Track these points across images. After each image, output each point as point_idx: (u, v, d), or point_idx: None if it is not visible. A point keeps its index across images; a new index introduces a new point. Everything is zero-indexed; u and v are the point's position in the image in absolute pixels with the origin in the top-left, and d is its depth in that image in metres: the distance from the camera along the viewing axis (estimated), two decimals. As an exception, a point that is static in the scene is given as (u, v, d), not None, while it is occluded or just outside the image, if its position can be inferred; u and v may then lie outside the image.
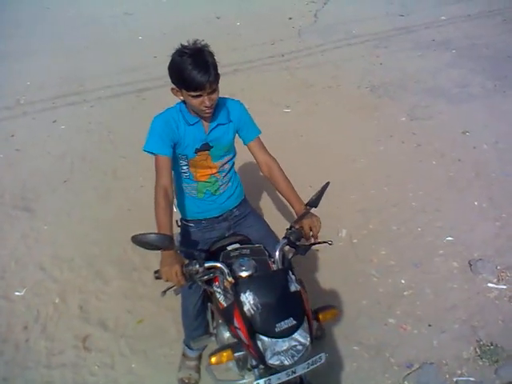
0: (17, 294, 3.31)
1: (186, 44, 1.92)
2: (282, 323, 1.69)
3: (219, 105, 2.11)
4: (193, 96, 1.90)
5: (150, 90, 6.15)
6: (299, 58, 7.00)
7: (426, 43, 7.31)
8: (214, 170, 2.23)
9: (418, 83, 6.05)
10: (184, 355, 2.75)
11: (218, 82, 1.92)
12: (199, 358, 2.75)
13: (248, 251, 2.10)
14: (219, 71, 1.93)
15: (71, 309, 3.19)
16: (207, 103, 1.90)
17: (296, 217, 2.07)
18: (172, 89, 2.01)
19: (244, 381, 1.96)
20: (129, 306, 3.19)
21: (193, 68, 1.82)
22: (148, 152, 2.07)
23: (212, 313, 2.53)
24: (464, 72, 6.30)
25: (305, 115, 5.48)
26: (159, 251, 1.86)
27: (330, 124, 5.26)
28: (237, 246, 2.25)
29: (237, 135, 2.27)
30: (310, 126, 5.22)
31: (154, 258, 3.49)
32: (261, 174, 2.34)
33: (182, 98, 2.00)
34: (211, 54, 1.92)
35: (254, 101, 5.33)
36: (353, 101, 5.69)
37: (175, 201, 2.31)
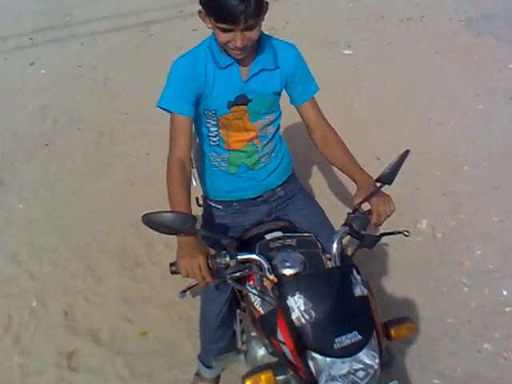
0: (-18, 293, 3.46)
1: None
2: (344, 338, 1.67)
3: (263, 44, 2.09)
4: (221, 29, 1.88)
5: (159, 22, 6.20)
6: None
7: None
8: (253, 134, 2.20)
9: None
10: (198, 374, 2.79)
11: (259, 16, 1.88)
12: (217, 380, 2.79)
13: (294, 242, 2.09)
14: None
15: (53, 314, 3.25)
16: (238, 43, 1.87)
17: (360, 197, 2.06)
18: (199, 11, 1.99)
19: None
20: (129, 312, 3.24)
21: None
22: (163, 109, 2.09)
23: (240, 322, 2.55)
24: None
25: (372, 59, 5.41)
26: (176, 237, 1.86)
27: (408, 71, 5.18)
28: (279, 234, 2.25)
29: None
30: (378, 75, 5.16)
31: (163, 249, 3.57)
32: (309, 141, 2.33)
33: (209, 25, 1.99)
34: None
35: (302, 38, 5.25)
36: (442, 39, 5.59)
37: (194, 171, 2.33)
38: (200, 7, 1.91)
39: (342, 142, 2.22)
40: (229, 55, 2.04)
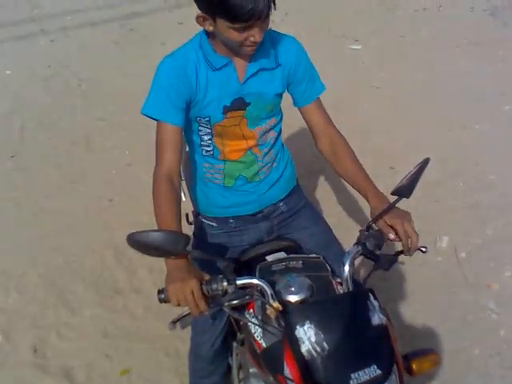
0: None
1: None
2: (361, 373, 1.65)
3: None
4: (236, 29, 1.89)
5: (140, 15, 6.25)
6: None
7: None
8: (252, 142, 2.20)
9: None
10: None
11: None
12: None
13: (299, 264, 2.09)
14: None
15: (20, 351, 3.24)
16: (257, 37, 1.89)
17: (371, 214, 2.04)
18: (198, 17, 1.98)
19: None
20: (108, 347, 3.23)
21: None
22: (148, 117, 2.08)
23: (237, 355, 2.54)
24: None
25: (384, 54, 5.44)
26: (163, 260, 1.84)
27: (425, 69, 5.21)
28: (282, 255, 2.25)
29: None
30: (391, 72, 5.19)
31: (147, 274, 3.56)
32: (315, 147, 2.32)
33: (211, 28, 1.99)
34: None
35: (303, 32, 5.28)
36: (463, 32, 5.62)
37: (183, 184, 2.32)
38: (199, 12, 1.89)
39: (352, 152, 2.20)
40: (226, 54, 2.04)
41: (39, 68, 5.66)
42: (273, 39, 2.14)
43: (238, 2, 1.75)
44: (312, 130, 2.27)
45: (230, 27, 1.85)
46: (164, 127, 2.05)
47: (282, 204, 2.41)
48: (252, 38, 1.88)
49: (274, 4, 1.85)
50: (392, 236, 1.93)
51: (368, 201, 2.09)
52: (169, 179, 2.02)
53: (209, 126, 2.14)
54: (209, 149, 2.22)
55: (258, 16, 1.80)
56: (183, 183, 2.46)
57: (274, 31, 2.17)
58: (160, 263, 1.85)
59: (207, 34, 2.03)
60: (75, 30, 6.20)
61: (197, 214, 2.45)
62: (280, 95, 2.21)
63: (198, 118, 2.12)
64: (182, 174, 2.45)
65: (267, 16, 1.85)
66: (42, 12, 6.61)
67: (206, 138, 2.19)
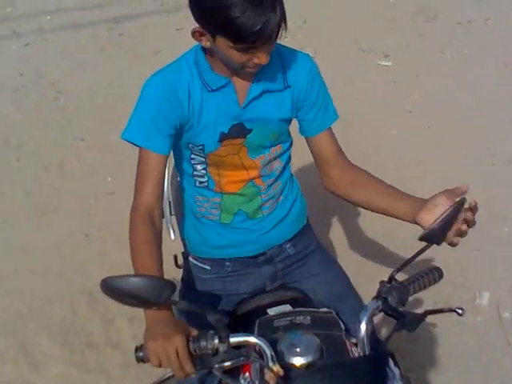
0: None
1: None
2: None
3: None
4: (239, 49, 1.91)
5: (132, 18, 6.27)
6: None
7: None
8: (254, 173, 2.22)
9: None
10: None
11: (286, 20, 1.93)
12: None
13: (307, 320, 2.06)
14: None
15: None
16: (262, 60, 1.91)
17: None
18: (195, 32, 2.00)
19: None
20: (78, 413, 3.23)
21: (247, 2, 1.76)
22: (130, 142, 2.10)
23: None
24: None
25: (418, 73, 5.47)
26: (146, 309, 1.81)
27: (467, 91, 5.22)
28: (286, 308, 2.25)
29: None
30: (426, 94, 5.20)
31: (126, 325, 3.55)
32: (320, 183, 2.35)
33: (208, 44, 2.00)
34: None
35: (324, 44, 5.34)
36: (513, 49, 5.66)
37: (172, 220, 2.33)
38: (196, 25, 1.89)
39: (373, 176, 2.22)
40: (224, 74, 2.05)
41: (9, 77, 5.71)
42: (282, 55, 2.15)
43: (244, 22, 1.75)
44: (320, 161, 2.30)
45: (232, 47, 1.85)
46: (147, 155, 2.06)
47: (288, 246, 2.41)
48: (256, 60, 1.90)
49: (286, 24, 1.85)
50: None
51: (409, 208, 2.09)
52: (148, 216, 2.03)
53: (203, 155, 2.15)
54: (203, 180, 2.24)
55: (266, 39, 1.81)
56: (173, 218, 2.47)
57: (284, 46, 2.18)
58: (142, 312, 1.81)
59: (204, 49, 2.04)
60: (54, 32, 6.24)
61: (187, 254, 2.45)
62: (288, 121, 2.23)
63: (190, 145, 2.14)
64: (172, 207, 2.46)
65: (276, 38, 1.87)
66: (17, 11, 6.66)
67: (199, 167, 2.21)
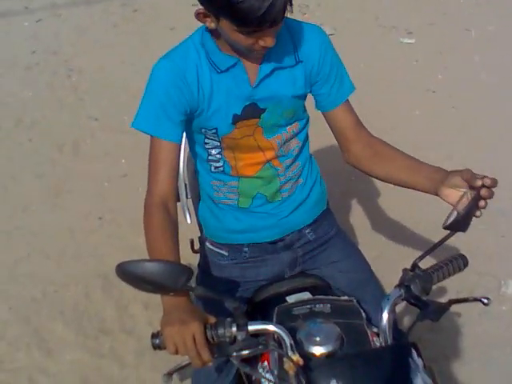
0: None
1: None
2: None
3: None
4: (243, 33, 1.89)
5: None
6: None
7: None
8: (271, 154, 2.22)
9: None
10: None
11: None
12: None
13: (327, 308, 2.07)
14: None
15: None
16: (268, 42, 1.90)
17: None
18: (199, 13, 1.99)
19: None
20: (92, 399, 3.23)
21: None
22: (140, 131, 2.10)
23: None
24: None
25: (442, 51, 5.45)
26: (163, 295, 1.82)
27: (493, 69, 5.20)
28: (306, 296, 2.25)
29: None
30: (450, 73, 5.18)
31: (141, 311, 3.54)
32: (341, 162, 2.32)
33: (212, 25, 1.98)
34: None
35: (345, 19, 5.30)
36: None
37: (188, 203, 2.32)
38: (200, 7, 1.89)
39: (396, 148, 2.21)
40: (233, 53, 2.03)
41: (21, 54, 5.72)
42: (291, 30, 2.13)
43: (247, 6, 1.72)
44: (340, 136, 2.28)
45: (236, 30, 1.85)
46: (158, 143, 2.06)
47: (308, 231, 2.41)
48: (262, 43, 1.89)
49: (291, 5, 1.84)
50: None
51: (422, 185, 2.09)
52: (162, 204, 2.03)
53: (217, 139, 2.15)
54: (218, 164, 2.23)
55: (271, 22, 1.79)
56: (189, 202, 2.44)
57: (293, 20, 2.15)
58: (158, 298, 1.80)
59: (209, 29, 2.03)
60: (67, 8, 6.26)
61: (204, 240, 2.44)
62: (303, 97, 2.22)
63: (203, 130, 2.13)
64: (188, 190, 2.43)
65: (281, 20, 1.84)
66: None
67: (214, 151, 2.20)
